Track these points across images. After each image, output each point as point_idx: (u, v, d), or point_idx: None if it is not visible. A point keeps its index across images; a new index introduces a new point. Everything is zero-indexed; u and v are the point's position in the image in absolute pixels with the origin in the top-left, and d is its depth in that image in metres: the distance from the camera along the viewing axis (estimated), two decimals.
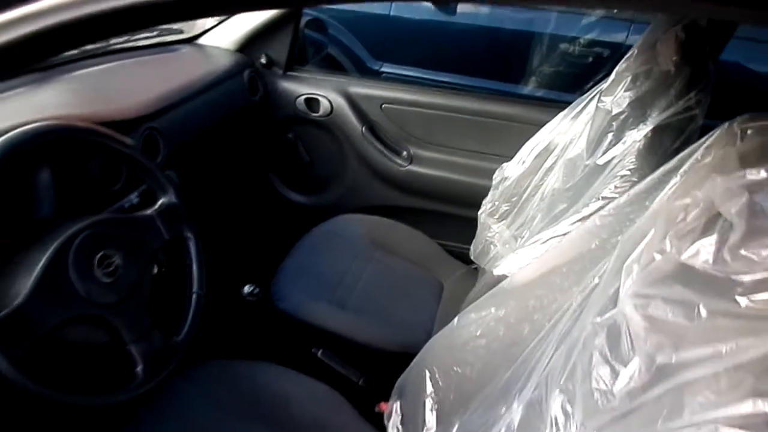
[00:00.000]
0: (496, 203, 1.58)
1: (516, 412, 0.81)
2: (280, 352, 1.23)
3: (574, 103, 1.42)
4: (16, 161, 0.86)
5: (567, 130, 1.43)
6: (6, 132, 0.86)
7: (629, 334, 0.61)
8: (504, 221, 1.56)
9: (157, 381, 0.92)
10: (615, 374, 0.61)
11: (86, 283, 0.85)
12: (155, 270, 1.05)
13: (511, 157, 1.56)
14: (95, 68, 1.43)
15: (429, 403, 1.02)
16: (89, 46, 1.49)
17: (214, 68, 1.62)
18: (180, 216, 1.05)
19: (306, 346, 1.31)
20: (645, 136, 1.10)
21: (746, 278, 0.46)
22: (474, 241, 1.63)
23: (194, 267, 1.06)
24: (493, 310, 0.97)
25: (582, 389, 0.67)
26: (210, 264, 1.13)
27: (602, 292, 0.71)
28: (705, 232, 0.51)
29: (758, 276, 0.45)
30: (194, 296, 1.04)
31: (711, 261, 0.50)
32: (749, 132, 0.56)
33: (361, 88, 1.79)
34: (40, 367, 0.78)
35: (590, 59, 2.54)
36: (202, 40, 1.80)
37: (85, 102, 1.21)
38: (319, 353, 1.30)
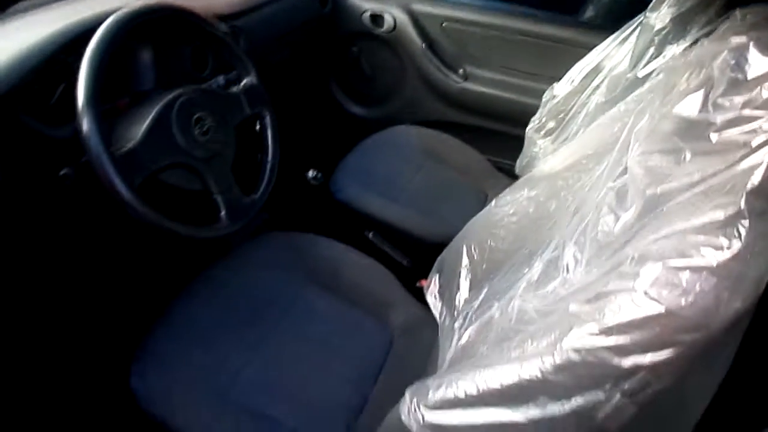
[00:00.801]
0: (544, 120, 1.68)
1: (536, 270, 0.95)
2: (336, 232, 1.39)
3: (625, 26, 1.49)
4: (128, 35, 1.02)
5: (616, 52, 1.51)
6: (114, 11, 1.02)
7: (632, 186, 0.73)
8: (549, 137, 1.66)
9: (237, 227, 1.10)
10: (617, 218, 0.74)
11: (185, 137, 1.03)
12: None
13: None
14: None
15: (464, 272, 1.17)
16: None
17: None
18: (260, 96, 1.21)
19: (359, 229, 1.48)
20: (683, 50, 1.18)
21: (718, 119, 0.58)
22: (520, 155, 1.74)
23: (269, 140, 1.23)
24: (525, 191, 1.10)
25: (590, 237, 0.80)
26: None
27: (616, 162, 0.83)
28: (696, 90, 0.63)
29: (728, 116, 0.57)
30: (269, 164, 1.21)
31: (697, 111, 0.62)
32: (749, 16, 0.67)
33: (423, 6, 1.89)
34: (150, 201, 0.97)
35: None
36: None
37: None
38: (370, 235, 1.47)
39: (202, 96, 1.09)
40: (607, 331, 0.61)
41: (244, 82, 1.20)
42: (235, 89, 1.18)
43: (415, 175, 1.68)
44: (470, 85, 1.92)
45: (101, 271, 1.32)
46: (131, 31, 1.01)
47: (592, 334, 0.62)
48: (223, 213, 1.09)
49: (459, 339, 1.05)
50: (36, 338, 1.23)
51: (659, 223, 0.63)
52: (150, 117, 0.99)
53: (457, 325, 1.08)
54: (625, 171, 0.79)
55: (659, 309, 0.58)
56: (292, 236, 1.34)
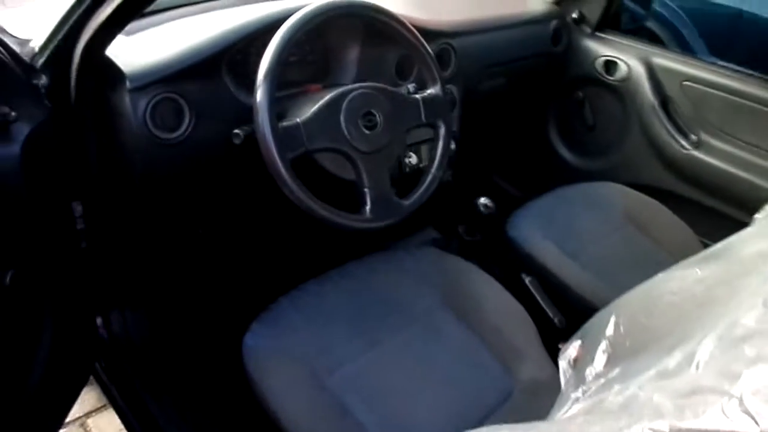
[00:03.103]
0: None
1: (672, 361, 0.80)
2: (492, 265, 1.32)
3: None
4: (322, 25, 1.09)
5: None
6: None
7: None
8: None
9: (378, 225, 1.11)
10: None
11: (349, 127, 1.08)
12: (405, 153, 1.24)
13: None
14: None
15: (604, 344, 1.03)
16: None
17: (525, 11, 1.73)
18: (441, 108, 1.21)
19: (518, 269, 1.39)
20: None
21: None
22: None
23: (439, 152, 1.21)
24: (697, 271, 0.94)
25: (730, 331, 0.65)
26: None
27: None
28: None
29: None
30: (431, 175, 1.20)
31: None
32: None
33: (664, 60, 1.73)
34: (301, 178, 1.02)
35: None
36: None
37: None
38: (527, 280, 1.37)
39: (380, 94, 1.13)
40: None
41: (428, 91, 1.21)
42: (417, 95, 1.19)
43: (607, 237, 1.52)
44: (700, 155, 1.70)
45: (248, 232, 1.44)
46: (323, 23, 1.09)
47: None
48: (367, 207, 1.10)
49: (567, 410, 0.92)
50: (182, 271, 1.38)
51: None
52: (322, 101, 1.05)
53: (574, 396, 0.96)
54: None
55: (751, 427, 0.44)
56: (448, 257, 1.31)
